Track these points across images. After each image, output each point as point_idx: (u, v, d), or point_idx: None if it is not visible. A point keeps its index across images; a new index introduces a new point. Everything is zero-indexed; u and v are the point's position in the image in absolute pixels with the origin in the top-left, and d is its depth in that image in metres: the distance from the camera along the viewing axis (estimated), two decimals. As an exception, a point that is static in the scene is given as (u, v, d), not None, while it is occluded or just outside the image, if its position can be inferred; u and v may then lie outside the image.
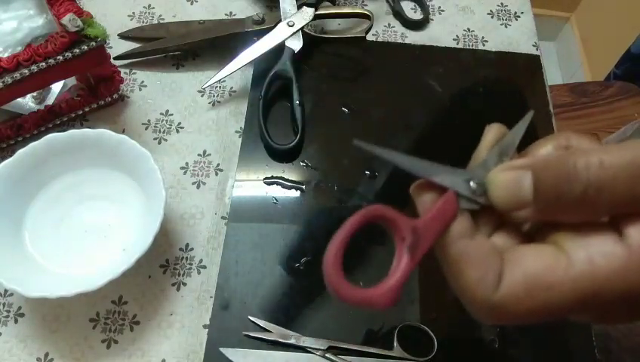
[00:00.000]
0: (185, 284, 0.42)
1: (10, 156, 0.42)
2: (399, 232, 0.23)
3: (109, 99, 0.50)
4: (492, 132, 0.26)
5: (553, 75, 1.55)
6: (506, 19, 0.58)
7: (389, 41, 0.56)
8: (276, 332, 0.39)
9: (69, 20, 0.41)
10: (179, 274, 0.43)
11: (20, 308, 0.41)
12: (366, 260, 0.42)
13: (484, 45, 0.56)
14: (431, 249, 0.24)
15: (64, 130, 0.43)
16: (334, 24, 0.57)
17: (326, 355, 0.38)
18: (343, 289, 0.22)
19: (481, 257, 0.22)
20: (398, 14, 0.58)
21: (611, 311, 0.22)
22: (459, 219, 0.23)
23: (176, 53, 0.54)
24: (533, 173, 0.22)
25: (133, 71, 0.53)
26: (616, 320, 0.23)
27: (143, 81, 0.52)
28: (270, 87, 0.50)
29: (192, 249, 0.44)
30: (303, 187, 0.47)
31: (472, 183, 0.24)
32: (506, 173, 0.23)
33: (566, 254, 0.21)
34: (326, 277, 0.22)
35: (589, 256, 0.21)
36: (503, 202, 0.23)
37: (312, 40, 0.54)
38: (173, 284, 0.42)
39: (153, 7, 0.57)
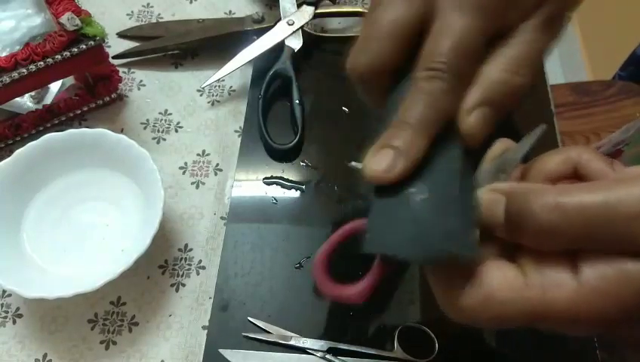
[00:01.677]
0: (184, 285, 0.42)
1: (9, 156, 0.42)
2: None
3: (108, 98, 0.49)
4: (496, 146, 0.27)
5: (555, 74, 1.55)
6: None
7: (390, 39, 0.56)
8: (276, 333, 0.39)
9: (68, 19, 0.41)
10: (178, 275, 0.42)
11: (18, 308, 0.41)
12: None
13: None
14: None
15: (62, 130, 0.43)
16: (334, 23, 0.57)
17: (326, 356, 0.38)
18: (325, 288, 0.29)
19: (451, 268, 0.25)
20: (399, 13, 0.57)
21: (564, 328, 0.24)
22: None
23: (175, 52, 0.53)
24: (506, 201, 0.24)
25: (132, 70, 0.52)
26: (573, 334, 0.25)
27: (141, 81, 0.52)
28: (270, 87, 0.50)
29: (191, 249, 0.44)
30: (303, 187, 0.46)
31: None
32: (487, 194, 0.25)
33: (525, 277, 0.24)
34: (313, 276, 0.29)
35: (543, 283, 0.23)
36: (483, 220, 0.25)
37: (312, 39, 0.54)
38: (172, 285, 0.42)
39: (152, 6, 0.56)
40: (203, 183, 0.47)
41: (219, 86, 0.52)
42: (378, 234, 0.26)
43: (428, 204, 0.25)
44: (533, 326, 0.24)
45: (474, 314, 0.25)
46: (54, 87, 0.49)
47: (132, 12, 0.56)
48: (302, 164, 0.47)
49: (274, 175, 0.47)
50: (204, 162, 0.48)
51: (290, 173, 0.47)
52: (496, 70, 0.26)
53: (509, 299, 0.24)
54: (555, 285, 0.23)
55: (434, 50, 0.26)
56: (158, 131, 0.49)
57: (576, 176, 0.26)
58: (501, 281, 0.24)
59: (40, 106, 0.48)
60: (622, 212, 0.21)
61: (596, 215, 0.22)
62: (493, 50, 0.27)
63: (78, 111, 0.49)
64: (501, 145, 0.27)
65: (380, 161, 0.25)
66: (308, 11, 0.52)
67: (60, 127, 0.49)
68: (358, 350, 0.38)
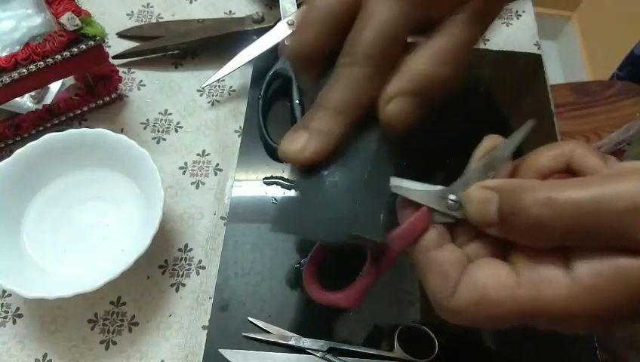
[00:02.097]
0: (184, 285, 0.42)
1: (8, 156, 0.42)
2: None
3: (108, 98, 0.49)
4: (485, 143, 0.27)
5: (555, 74, 1.55)
6: (507, 18, 0.58)
7: (390, 39, 0.56)
8: (276, 333, 0.39)
9: (68, 19, 0.41)
10: (178, 275, 0.42)
11: (18, 308, 0.41)
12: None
13: (485, 44, 0.56)
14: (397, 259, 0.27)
15: (62, 130, 0.43)
16: (334, 23, 0.57)
17: (326, 356, 0.38)
18: (314, 293, 0.28)
19: (443, 267, 0.25)
20: (399, 13, 0.57)
21: (557, 326, 0.24)
22: (430, 231, 0.26)
23: (175, 52, 0.53)
24: (499, 198, 0.24)
25: (132, 70, 0.52)
26: (567, 331, 0.25)
27: (141, 81, 0.52)
28: (270, 87, 0.50)
29: (191, 249, 0.44)
30: (303, 187, 0.46)
31: (448, 199, 0.26)
32: (479, 192, 0.25)
33: (517, 275, 0.24)
34: (303, 282, 0.29)
35: (535, 281, 0.23)
36: (474, 218, 0.26)
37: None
38: (172, 285, 0.42)
39: (152, 6, 0.56)
40: (203, 183, 0.47)
41: (219, 86, 0.52)
42: (289, 214, 0.26)
43: (339, 188, 0.26)
44: (526, 325, 0.24)
45: (466, 314, 0.24)
46: (54, 87, 0.49)
47: (132, 12, 0.56)
48: (302, 164, 0.47)
49: (274, 175, 0.47)
50: (204, 162, 0.48)
51: (290, 173, 0.47)
52: (420, 61, 0.26)
53: (502, 298, 0.23)
54: (547, 282, 0.23)
55: (355, 37, 0.26)
56: (158, 131, 0.49)
57: (568, 171, 0.26)
58: (493, 280, 0.24)
59: (40, 106, 0.48)
60: (613, 207, 0.21)
61: (587, 210, 0.22)
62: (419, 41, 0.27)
63: (78, 111, 0.49)
64: (490, 141, 0.27)
65: (294, 142, 0.26)
66: (308, 11, 0.52)
67: (60, 127, 0.49)
68: (358, 350, 0.38)
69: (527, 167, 0.27)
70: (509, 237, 0.25)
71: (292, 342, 0.39)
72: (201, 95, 0.51)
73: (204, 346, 0.39)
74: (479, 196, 0.25)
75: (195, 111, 0.51)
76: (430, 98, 0.26)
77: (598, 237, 0.22)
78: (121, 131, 0.48)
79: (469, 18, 0.27)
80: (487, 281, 0.24)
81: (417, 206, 0.27)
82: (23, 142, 0.43)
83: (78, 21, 0.41)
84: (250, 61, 0.50)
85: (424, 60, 0.26)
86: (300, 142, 0.26)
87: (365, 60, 0.25)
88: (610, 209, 0.21)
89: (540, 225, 0.22)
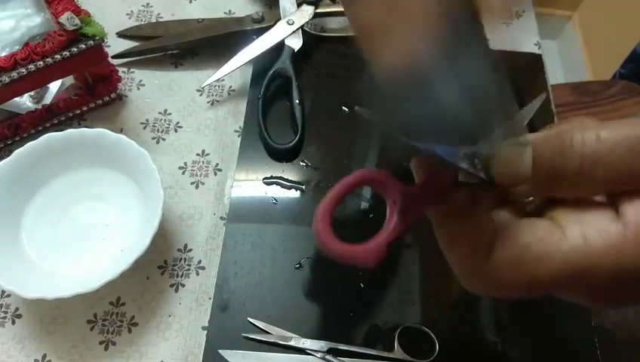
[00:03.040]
0: (183, 285, 0.42)
1: (8, 156, 0.41)
2: (390, 195, 0.24)
3: (107, 98, 0.49)
4: None
5: (555, 74, 1.55)
6: (507, 18, 0.58)
7: (390, 39, 0.56)
8: (275, 334, 0.39)
9: (67, 19, 0.41)
10: (177, 275, 0.42)
11: (17, 309, 0.41)
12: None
13: (485, 44, 0.56)
14: (423, 218, 0.24)
15: (62, 130, 0.43)
16: (335, 22, 0.57)
17: (326, 357, 0.38)
18: (330, 244, 0.23)
19: (475, 227, 0.23)
20: (399, 13, 0.57)
21: (600, 291, 0.22)
22: (461, 190, 0.24)
23: (175, 51, 0.53)
24: (534, 148, 0.22)
25: (132, 70, 0.52)
26: (605, 303, 0.23)
27: (141, 80, 0.52)
28: (270, 86, 0.50)
29: (190, 250, 0.43)
30: (303, 187, 0.46)
31: (476, 157, 0.24)
32: (509, 148, 0.23)
33: (561, 228, 0.22)
34: (315, 231, 0.23)
35: (583, 232, 0.21)
36: (503, 176, 0.23)
37: (311, 38, 0.54)
38: (171, 285, 0.42)
39: (152, 6, 0.56)
40: (203, 183, 0.47)
41: (218, 86, 0.52)
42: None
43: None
44: (570, 290, 0.22)
45: (504, 276, 0.22)
46: (54, 86, 0.49)
47: (132, 12, 0.56)
48: (302, 164, 0.47)
49: (274, 175, 0.47)
50: (203, 162, 0.48)
51: (290, 173, 0.47)
52: None
53: (548, 254, 0.21)
54: (597, 232, 0.21)
55: None
56: (158, 131, 0.49)
57: None
58: (537, 235, 0.21)
59: (39, 106, 0.48)
60: None
61: None
62: None
63: (78, 111, 0.49)
64: None
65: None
66: (308, 11, 0.52)
67: (60, 126, 0.49)
68: (358, 350, 0.38)
69: None
70: (544, 191, 0.23)
71: (292, 343, 0.39)
72: (200, 95, 0.51)
73: (203, 347, 0.39)
74: (509, 152, 0.23)
75: (194, 111, 0.50)
76: None
77: None
78: (121, 131, 0.48)
79: None
80: (529, 237, 0.22)
81: (439, 163, 0.24)
82: (23, 142, 0.43)
83: (77, 21, 0.41)
84: (250, 61, 0.50)
85: None
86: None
87: None
88: None
89: (593, 162, 0.21)
